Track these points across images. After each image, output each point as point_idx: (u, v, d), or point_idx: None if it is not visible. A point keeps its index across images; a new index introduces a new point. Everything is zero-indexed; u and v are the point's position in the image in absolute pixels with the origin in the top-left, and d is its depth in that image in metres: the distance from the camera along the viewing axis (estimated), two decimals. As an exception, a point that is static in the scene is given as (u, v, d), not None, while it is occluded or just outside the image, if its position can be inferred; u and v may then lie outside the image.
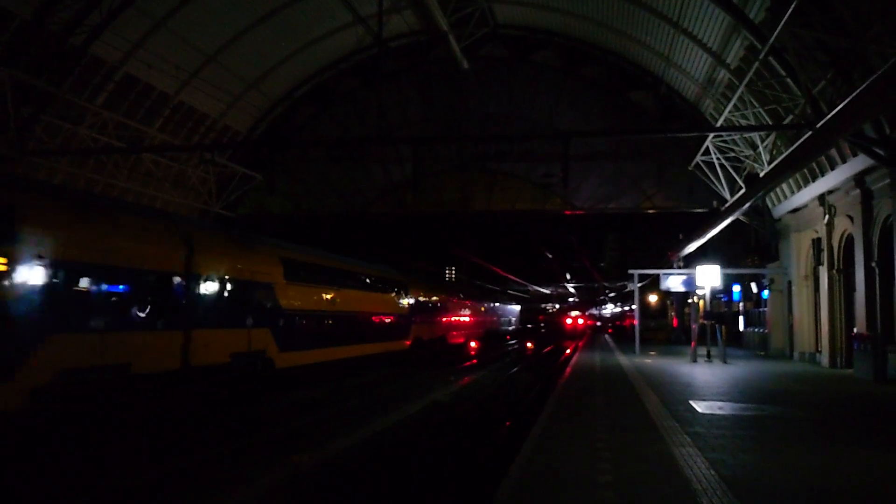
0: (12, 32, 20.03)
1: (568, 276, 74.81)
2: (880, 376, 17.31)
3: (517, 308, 72.63)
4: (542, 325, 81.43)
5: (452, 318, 39.87)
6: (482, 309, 50.83)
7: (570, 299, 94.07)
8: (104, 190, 25.01)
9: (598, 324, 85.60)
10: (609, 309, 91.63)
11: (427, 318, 33.86)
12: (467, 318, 44.44)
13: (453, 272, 70.45)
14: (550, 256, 61.36)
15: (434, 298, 35.71)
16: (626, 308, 73.97)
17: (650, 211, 30.71)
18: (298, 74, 30.93)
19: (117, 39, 22.30)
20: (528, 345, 48.81)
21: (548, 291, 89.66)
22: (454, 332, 39.76)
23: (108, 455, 11.19)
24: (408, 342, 30.24)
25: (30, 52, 20.52)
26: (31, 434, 11.19)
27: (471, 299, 47.61)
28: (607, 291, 79.18)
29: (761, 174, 20.77)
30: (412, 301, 31.26)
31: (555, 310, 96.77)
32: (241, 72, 28.05)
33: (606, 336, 54.53)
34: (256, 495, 9.13)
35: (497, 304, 57.98)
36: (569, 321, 78.89)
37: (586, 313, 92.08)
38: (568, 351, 39.42)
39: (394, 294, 29.27)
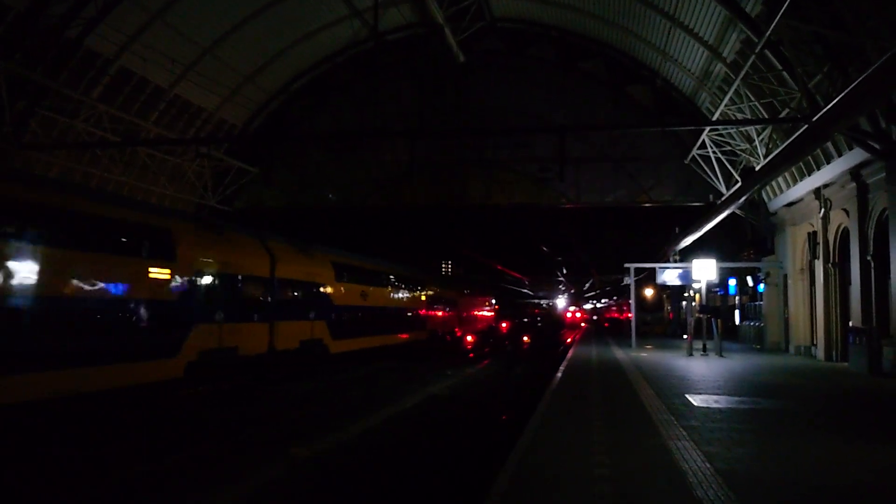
0: (7, 25, 19.92)
1: (564, 270, 74.89)
2: (875, 369, 17.37)
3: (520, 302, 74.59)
4: (539, 318, 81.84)
5: (463, 313, 43.58)
6: (486, 305, 54.58)
7: (564, 294, 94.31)
8: (100, 184, 24.93)
9: (595, 317, 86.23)
10: (605, 303, 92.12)
11: (441, 312, 37.50)
12: (476, 313, 48.38)
13: (450, 266, 70.37)
14: (546, 250, 61.35)
15: (447, 294, 39.36)
16: (611, 301, 74.57)
17: (646, 205, 30.73)
18: (294, 68, 30.83)
19: (112, 32, 22.19)
20: (525, 338, 48.84)
21: (543, 289, 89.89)
22: (465, 326, 43.24)
23: (109, 452, 11.20)
24: (425, 332, 33.93)
25: (25, 45, 20.41)
26: (31, 434, 11.23)
27: (477, 296, 50.99)
28: (605, 286, 79.43)
29: (757, 168, 20.77)
30: (429, 297, 35.09)
31: (551, 305, 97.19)
32: (237, 65, 27.95)
33: (603, 329, 54.63)
34: (255, 488, 9.15)
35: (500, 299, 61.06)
36: (568, 315, 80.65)
37: (583, 307, 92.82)
38: (567, 341, 39.58)
39: (416, 291, 33.06)
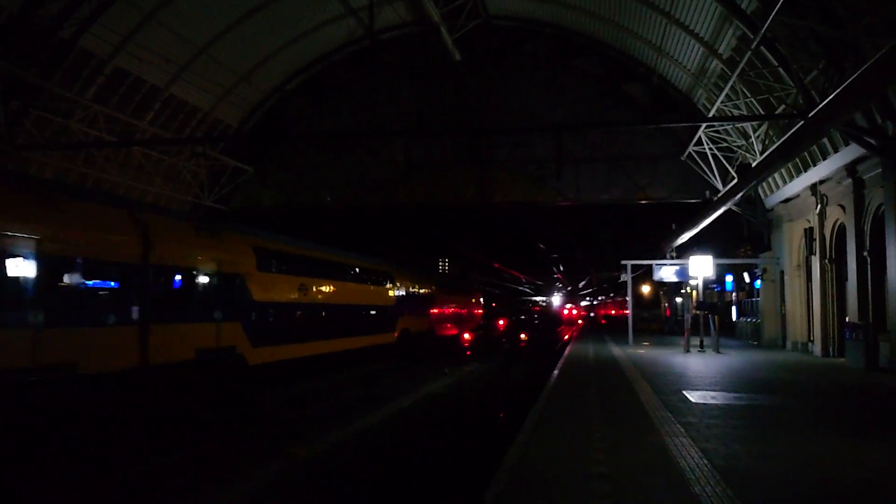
0: (0, 25, 19.84)
1: (562, 268, 75.03)
2: (872, 365, 17.41)
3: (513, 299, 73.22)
4: (537, 316, 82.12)
5: (443, 310, 38.82)
6: (473, 301, 49.66)
7: (562, 292, 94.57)
8: (95, 184, 24.86)
9: (592, 314, 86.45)
10: (602, 300, 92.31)
11: (415, 310, 32.88)
12: (459, 311, 43.38)
13: (447, 265, 70.40)
14: (544, 248, 61.45)
15: (423, 290, 34.73)
16: (608, 298, 74.71)
17: (643, 202, 30.74)
18: (290, 67, 30.75)
19: (107, 32, 22.10)
20: (523, 336, 48.92)
21: (540, 287, 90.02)
22: (445, 324, 38.91)
23: (108, 452, 11.19)
24: (395, 335, 29.40)
25: (18, 45, 20.31)
26: (31, 434, 11.20)
27: (462, 292, 46.69)
28: (602, 284, 79.61)
29: (753, 164, 20.79)
30: (399, 292, 30.40)
31: (549, 303, 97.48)
32: (233, 64, 27.87)
33: (601, 326, 54.67)
34: (255, 488, 9.15)
35: (488, 295, 57.41)
36: (565, 312, 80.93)
37: (580, 304, 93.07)
38: (565, 339, 39.62)
39: (380, 285, 28.44)
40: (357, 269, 26.50)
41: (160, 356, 14.30)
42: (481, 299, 53.65)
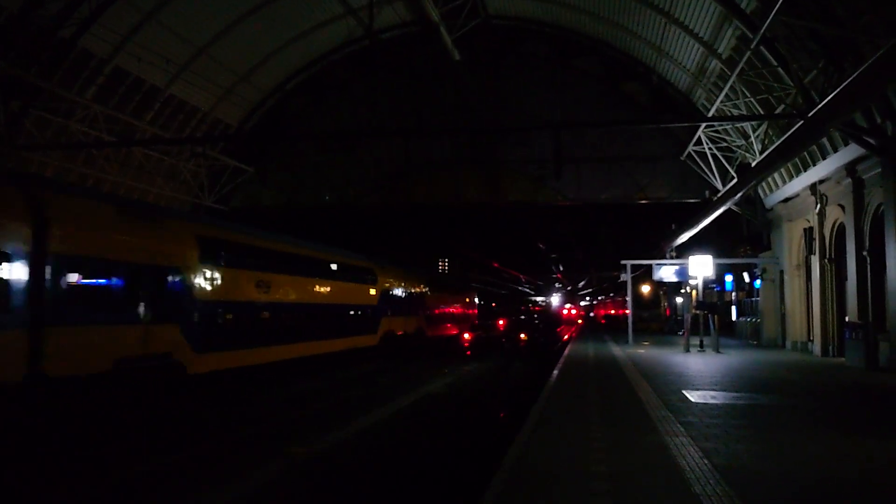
0: (0, 25, 19.84)
1: (561, 268, 75.07)
2: (872, 364, 17.41)
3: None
4: (537, 316, 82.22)
5: (434, 310, 36.68)
6: (468, 300, 47.46)
7: (562, 292, 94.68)
8: (95, 184, 24.86)
9: (592, 314, 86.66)
10: (601, 299, 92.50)
11: (402, 310, 30.76)
12: (452, 311, 41.37)
13: (447, 265, 70.42)
14: (544, 248, 61.45)
15: (412, 289, 32.63)
16: (608, 298, 74.88)
17: (643, 202, 30.76)
18: (290, 66, 30.77)
19: (107, 32, 22.11)
20: (522, 336, 48.87)
21: (540, 286, 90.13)
22: (437, 325, 36.93)
23: (109, 451, 11.18)
24: (377, 337, 27.19)
25: (18, 45, 20.32)
26: (31, 434, 11.20)
27: (456, 291, 44.91)
28: (602, 283, 79.71)
29: (753, 164, 20.80)
30: (383, 291, 28.12)
31: (548, 302, 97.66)
32: (232, 64, 27.88)
33: (600, 326, 54.67)
34: (255, 488, 9.15)
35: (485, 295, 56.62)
36: (565, 312, 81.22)
37: (580, 304, 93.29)
38: (564, 338, 39.65)
39: (360, 283, 26.28)
40: (333, 265, 24.22)
41: (61, 367, 11.71)
42: (476, 299, 51.91)
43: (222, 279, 16.82)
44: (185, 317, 15.29)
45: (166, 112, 26.82)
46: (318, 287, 22.51)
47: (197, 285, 15.79)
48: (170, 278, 14.92)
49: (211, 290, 16.34)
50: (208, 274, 16.28)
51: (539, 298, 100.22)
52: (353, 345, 24.69)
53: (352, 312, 25.48)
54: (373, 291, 27.21)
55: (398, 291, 30.42)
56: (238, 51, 27.39)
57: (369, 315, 26.81)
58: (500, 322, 58.25)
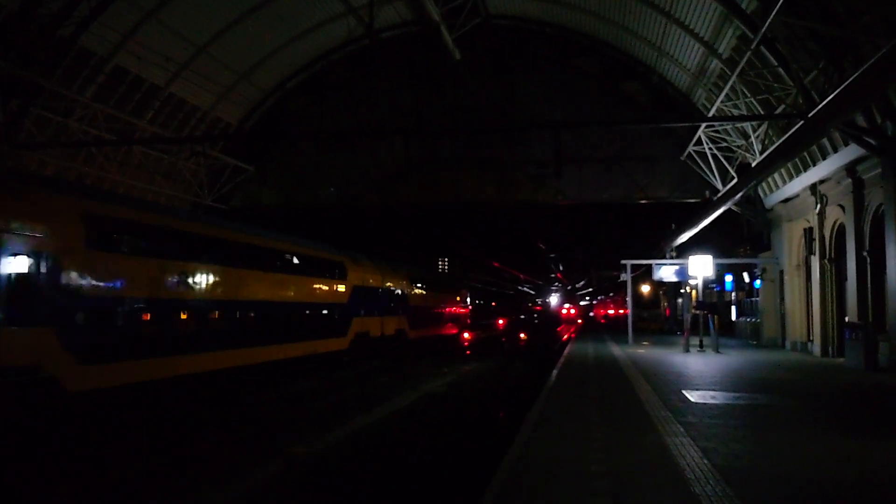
0: (0, 24, 19.82)
1: (561, 267, 75.11)
2: (871, 365, 17.39)
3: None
4: (536, 315, 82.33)
5: (419, 310, 34.26)
6: (458, 298, 44.06)
7: (561, 291, 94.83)
8: (95, 183, 24.84)
9: (592, 314, 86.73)
10: (601, 299, 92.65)
11: (379, 309, 28.24)
12: (440, 310, 38.87)
13: (446, 264, 70.46)
14: (543, 247, 61.49)
15: (392, 286, 30.17)
16: (608, 297, 75.02)
17: (643, 201, 30.75)
18: (290, 65, 30.74)
19: (107, 31, 22.09)
20: (522, 335, 48.89)
21: (539, 286, 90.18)
22: (422, 326, 34.50)
23: (109, 451, 11.18)
24: (347, 339, 24.80)
25: (18, 43, 20.31)
26: (31, 434, 11.18)
27: (445, 288, 42.06)
28: (602, 283, 79.86)
29: (753, 164, 20.80)
30: (353, 288, 25.55)
31: (548, 302, 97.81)
32: (232, 63, 27.86)
33: (600, 326, 54.67)
34: (254, 487, 9.15)
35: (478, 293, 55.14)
36: (564, 311, 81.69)
37: (579, 304, 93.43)
38: (564, 338, 39.64)
39: (326, 278, 23.84)
40: (291, 257, 21.63)
41: None
42: (469, 297, 48.85)
43: (122, 270, 13.84)
44: (62, 318, 12.23)
45: (166, 111, 26.80)
46: (266, 282, 19.68)
47: (82, 277, 12.76)
48: (39, 268, 11.81)
49: (105, 284, 13.36)
50: (100, 263, 13.24)
51: (539, 298, 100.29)
52: (314, 349, 22.17)
53: (313, 312, 22.61)
54: (342, 288, 24.68)
55: (374, 288, 27.74)
56: (238, 50, 27.37)
57: (337, 315, 24.24)
58: (500, 322, 58.26)
